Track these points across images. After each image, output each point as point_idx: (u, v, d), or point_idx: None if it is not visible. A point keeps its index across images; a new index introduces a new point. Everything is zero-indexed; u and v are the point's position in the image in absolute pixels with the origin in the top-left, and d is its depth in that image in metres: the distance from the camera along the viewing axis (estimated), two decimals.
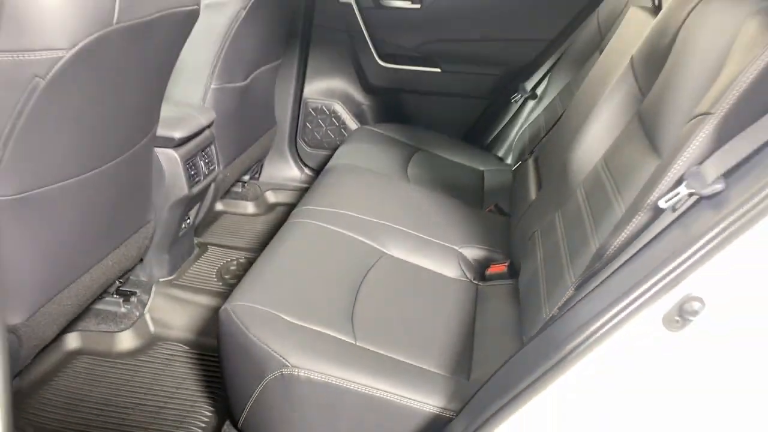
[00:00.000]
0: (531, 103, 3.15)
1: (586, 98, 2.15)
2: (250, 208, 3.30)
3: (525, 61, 3.16)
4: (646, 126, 1.62)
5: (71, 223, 1.74)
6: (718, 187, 1.09)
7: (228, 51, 2.48)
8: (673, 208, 1.17)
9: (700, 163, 1.17)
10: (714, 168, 1.12)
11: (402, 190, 2.47)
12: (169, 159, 2.23)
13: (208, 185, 2.51)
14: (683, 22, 1.64)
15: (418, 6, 3.11)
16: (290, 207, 2.61)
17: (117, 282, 2.35)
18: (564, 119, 2.34)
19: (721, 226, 1.00)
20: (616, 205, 1.51)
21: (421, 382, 1.52)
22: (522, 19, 3.11)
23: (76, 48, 1.38)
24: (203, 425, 1.93)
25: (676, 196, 1.16)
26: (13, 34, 1.27)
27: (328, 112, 3.41)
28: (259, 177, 3.45)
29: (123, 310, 2.32)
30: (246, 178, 3.32)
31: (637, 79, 1.84)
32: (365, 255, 1.97)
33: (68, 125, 1.55)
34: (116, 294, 2.35)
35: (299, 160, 3.49)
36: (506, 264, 2.10)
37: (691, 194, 1.14)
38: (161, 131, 2.14)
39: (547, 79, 3.10)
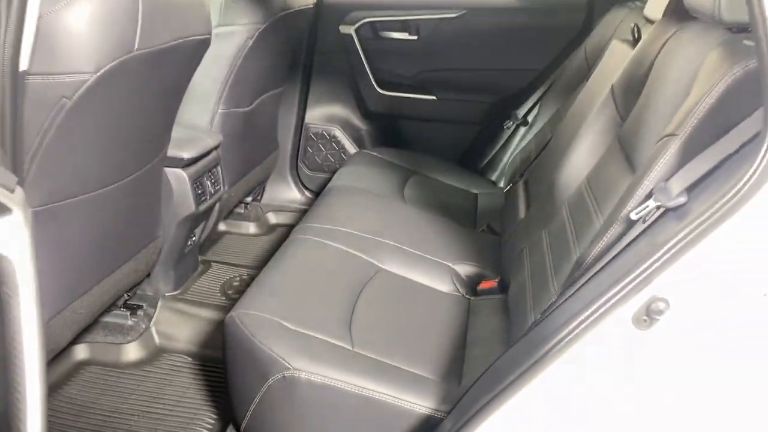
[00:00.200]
0: (522, 130, 3.29)
1: (572, 124, 2.28)
2: (251, 228, 3.40)
3: (517, 89, 3.31)
4: (624, 147, 1.74)
5: (87, 235, 1.85)
6: (682, 200, 1.21)
7: (235, 77, 2.62)
8: (643, 220, 1.29)
9: (668, 179, 1.30)
10: (679, 183, 1.25)
11: (398, 210, 2.59)
12: (178, 178, 2.35)
13: (214, 204, 2.62)
14: (658, 53, 1.78)
15: (415, 37, 3.28)
16: (290, 228, 2.70)
17: (125, 295, 2.45)
18: (552, 144, 2.47)
19: (683, 233, 1.12)
20: (596, 220, 1.63)
21: (415, 385, 1.62)
22: (514, 51, 3.27)
23: (100, 72, 1.51)
24: (207, 431, 2.01)
25: (645, 208, 1.28)
26: (45, 58, 1.40)
27: (328, 137, 3.54)
28: (261, 199, 3.57)
29: (130, 322, 2.42)
30: (248, 199, 3.43)
31: (617, 106, 1.98)
32: (363, 269, 2.07)
33: (88, 143, 1.68)
34: (124, 307, 2.45)
35: (300, 182, 3.61)
36: (497, 280, 2.20)
37: (658, 207, 1.26)
38: (171, 151, 2.26)
39: (537, 106, 3.25)
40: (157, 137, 2.05)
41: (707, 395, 1.17)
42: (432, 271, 2.20)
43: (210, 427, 2.03)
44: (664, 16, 1.97)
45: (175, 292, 2.61)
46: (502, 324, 1.96)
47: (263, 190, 3.56)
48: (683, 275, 1.13)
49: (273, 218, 3.50)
